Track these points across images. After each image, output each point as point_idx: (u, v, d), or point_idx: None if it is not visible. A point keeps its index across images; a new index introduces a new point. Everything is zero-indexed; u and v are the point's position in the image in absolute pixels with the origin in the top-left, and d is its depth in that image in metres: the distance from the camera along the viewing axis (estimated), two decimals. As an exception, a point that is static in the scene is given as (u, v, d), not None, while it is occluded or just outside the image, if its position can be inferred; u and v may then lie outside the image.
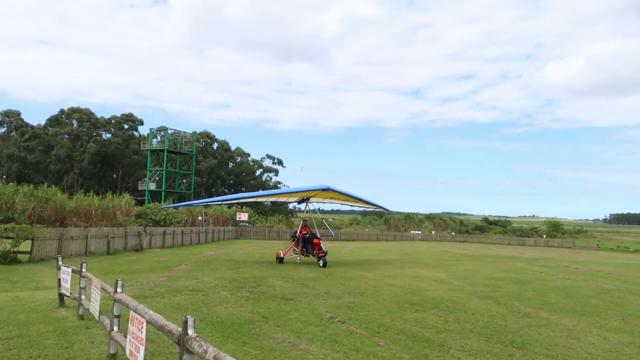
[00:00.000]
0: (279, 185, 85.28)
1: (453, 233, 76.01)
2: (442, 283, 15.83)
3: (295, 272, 17.35)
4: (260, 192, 22.29)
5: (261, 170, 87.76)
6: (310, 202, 23.75)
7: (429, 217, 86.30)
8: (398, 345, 7.39)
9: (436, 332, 8.39)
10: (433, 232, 75.29)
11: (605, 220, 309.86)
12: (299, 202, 24.30)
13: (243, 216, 53.00)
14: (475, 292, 13.90)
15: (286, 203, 29.84)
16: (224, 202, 25.78)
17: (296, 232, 22.13)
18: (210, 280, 13.78)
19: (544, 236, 77.13)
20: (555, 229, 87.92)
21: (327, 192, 21.17)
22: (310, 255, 20.80)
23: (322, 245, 20.87)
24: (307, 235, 21.26)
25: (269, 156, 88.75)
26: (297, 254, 21.50)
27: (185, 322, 4.08)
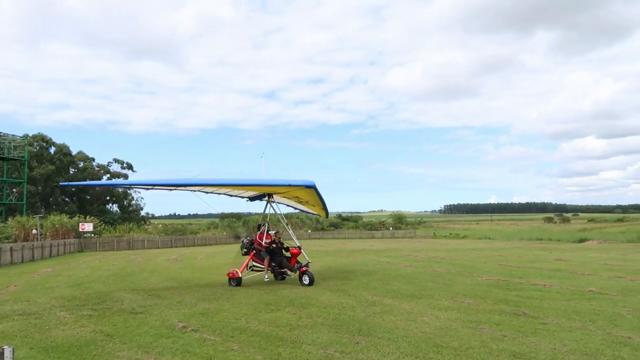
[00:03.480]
0: (129, 192, 79.64)
1: (309, 231, 78.64)
2: (297, 281, 16.27)
3: (146, 283, 16.40)
4: (218, 180, 15.05)
5: (108, 175, 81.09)
6: (272, 201, 17.32)
7: (286, 216, 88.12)
8: (252, 347, 7.41)
9: (289, 330, 8.61)
10: (290, 230, 77.22)
11: (440, 211, 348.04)
12: (252, 199, 17.91)
13: (87, 226, 48.53)
14: (327, 286, 14.57)
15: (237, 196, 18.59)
16: (161, 187, 15.04)
17: (252, 241, 16.43)
18: (45, 301, 12.34)
19: (391, 228, 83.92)
20: (399, 221, 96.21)
21: (308, 190, 15.60)
22: (282, 270, 16.09)
23: (304, 254, 16.30)
24: (276, 244, 16.22)
25: (117, 160, 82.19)
26: (258, 270, 16.13)
27: (2, 354, 3.59)
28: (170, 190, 15.24)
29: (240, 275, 15.29)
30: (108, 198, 77.07)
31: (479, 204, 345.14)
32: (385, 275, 17.52)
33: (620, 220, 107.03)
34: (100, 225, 55.20)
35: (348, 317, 9.73)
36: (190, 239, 59.29)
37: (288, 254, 16.19)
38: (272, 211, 17.49)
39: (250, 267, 16.09)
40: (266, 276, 15.83)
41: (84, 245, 46.63)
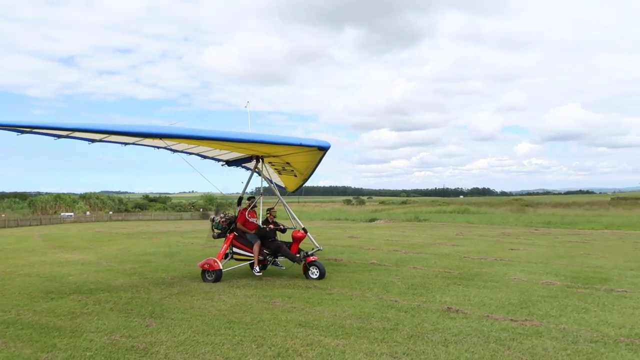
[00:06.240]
0: None
1: (111, 212, 72.60)
2: (90, 265, 14.95)
3: None
4: (202, 132, 9.64)
5: None
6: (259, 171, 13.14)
7: (84, 197, 79.63)
8: (20, 342, 6.52)
9: (71, 318, 7.83)
10: (88, 212, 70.16)
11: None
12: (230, 164, 13.92)
13: None
14: (124, 270, 13.69)
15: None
16: (119, 136, 9.88)
17: (231, 219, 12.38)
18: None
19: (201, 210, 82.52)
20: (211, 203, 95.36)
21: (314, 154, 11.33)
22: (272, 259, 12.02)
23: (312, 239, 12.45)
24: (270, 226, 12.18)
25: None
26: (241, 259, 12.03)
27: None
28: (125, 144, 10.90)
29: (221, 267, 11.36)
30: None
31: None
32: (188, 256, 17.20)
33: (404, 202, 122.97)
34: None
35: (142, 300, 9.27)
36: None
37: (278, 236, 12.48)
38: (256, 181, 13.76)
39: (229, 255, 12.12)
40: (257, 268, 11.61)
41: None
